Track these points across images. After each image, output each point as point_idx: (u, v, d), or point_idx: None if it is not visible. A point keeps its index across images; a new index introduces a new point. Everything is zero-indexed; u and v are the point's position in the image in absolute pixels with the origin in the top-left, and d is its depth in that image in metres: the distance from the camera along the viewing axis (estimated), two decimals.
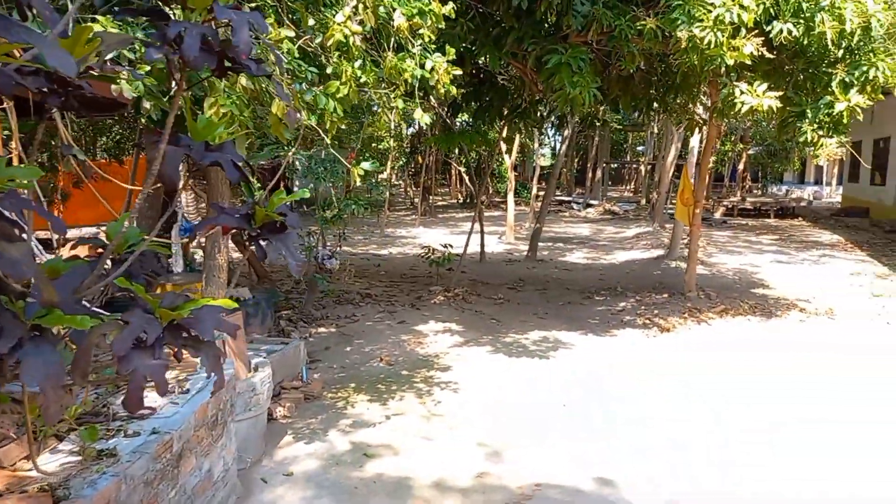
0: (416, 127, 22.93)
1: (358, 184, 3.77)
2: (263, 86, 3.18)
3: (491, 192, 28.26)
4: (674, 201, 22.13)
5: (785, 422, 4.87)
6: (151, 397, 3.23)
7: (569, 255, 14.29)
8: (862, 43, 6.42)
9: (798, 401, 5.34)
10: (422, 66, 3.72)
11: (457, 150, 25.71)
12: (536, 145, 22.61)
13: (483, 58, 7.82)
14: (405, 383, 5.69)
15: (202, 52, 1.36)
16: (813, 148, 6.91)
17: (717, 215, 22.12)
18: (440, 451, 4.31)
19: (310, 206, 11.34)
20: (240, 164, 1.78)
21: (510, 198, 16.01)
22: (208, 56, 1.39)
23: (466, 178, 23.24)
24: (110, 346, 1.49)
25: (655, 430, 4.72)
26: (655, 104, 9.37)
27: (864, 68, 6.40)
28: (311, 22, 3.77)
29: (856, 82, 6.45)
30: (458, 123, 12.80)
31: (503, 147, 14.65)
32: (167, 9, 1.45)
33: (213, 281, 4.09)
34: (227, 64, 1.52)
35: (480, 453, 4.26)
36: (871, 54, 6.49)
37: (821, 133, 6.75)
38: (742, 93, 6.57)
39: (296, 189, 3.96)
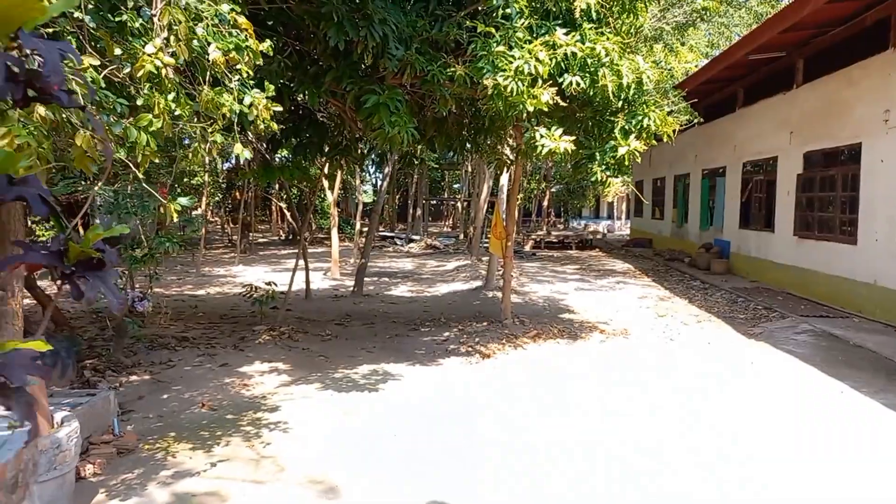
0: (233, 162, 22.18)
1: (175, 220, 3.63)
2: (64, 116, 2.99)
3: (314, 228, 27.94)
4: (488, 236, 23.65)
5: (599, 429, 5.41)
6: None
7: (394, 288, 14.58)
8: (637, 95, 7.46)
9: (607, 411, 5.95)
10: (240, 101, 3.72)
11: (277, 186, 25.22)
12: (358, 182, 22.88)
13: (302, 95, 7.90)
14: (231, 427, 5.46)
15: (7, 81, 1.32)
16: (602, 186, 7.85)
17: (527, 248, 23.87)
18: (271, 492, 4.21)
19: (114, 244, 10.43)
20: (48, 198, 1.71)
21: (334, 234, 16.01)
22: (13, 86, 1.35)
23: (288, 214, 22.83)
24: None
25: (491, 443, 5.00)
26: (468, 144, 10.04)
27: (640, 118, 7.45)
28: (117, 51, 3.61)
29: (633, 130, 7.47)
30: (277, 159, 12.66)
31: (325, 184, 14.67)
32: None
33: (8, 329, 3.67)
34: (31, 94, 1.47)
35: (314, 491, 4.22)
36: (645, 106, 7.57)
37: (608, 173, 7.68)
38: (542, 136, 7.30)
39: (97, 225, 3.71)
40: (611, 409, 6.02)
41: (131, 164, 3.38)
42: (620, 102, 7.43)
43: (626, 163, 7.49)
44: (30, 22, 1.33)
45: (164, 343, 8.37)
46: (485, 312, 10.97)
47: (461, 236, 28.67)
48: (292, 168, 8.79)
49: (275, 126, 3.88)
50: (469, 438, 5.19)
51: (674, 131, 7.90)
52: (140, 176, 3.41)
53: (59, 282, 1.70)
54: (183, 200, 3.28)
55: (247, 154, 3.81)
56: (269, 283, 9.85)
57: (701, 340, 9.08)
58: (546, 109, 6.87)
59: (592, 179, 7.63)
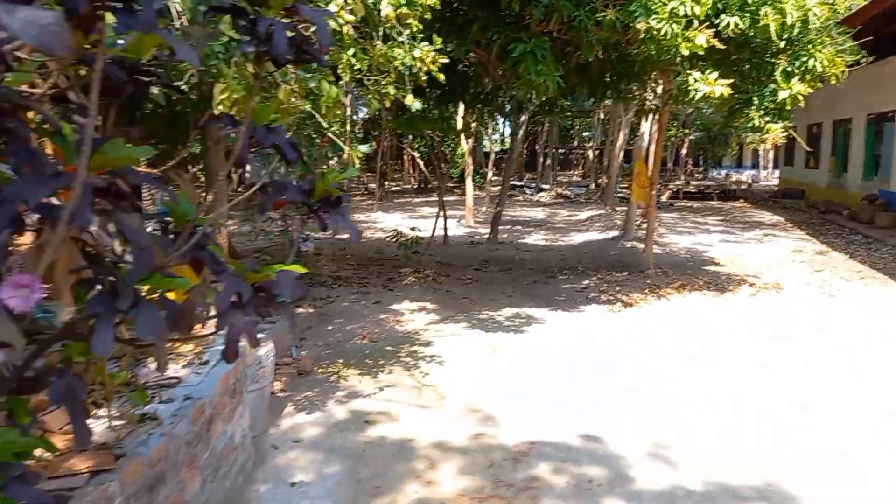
0: (368, 113, 23.00)
1: (357, 165, 3.99)
2: (268, 73, 3.36)
3: (445, 176, 28.50)
4: (622, 185, 22.98)
5: (749, 382, 5.36)
6: (174, 369, 3.42)
7: (528, 237, 14.73)
8: (801, 35, 6.94)
9: (758, 364, 5.85)
10: (411, 56, 3.97)
11: (411, 136, 25.90)
12: (490, 131, 22.95)
13: (447, 45, 8.08)
14: (391, 358, 5.96)
15: (288, 46, 1.59)
16: (760, 133, 7.45)
17: (664, 198, 22.97)
18: (435, 417, 4.61)
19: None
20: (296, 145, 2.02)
21: (469, 182, 16.32)
22: (293, 50, 1.62)
23: (421, 163, 23.41)
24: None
25: (634, 392, 5.13)
26: (610, 91, 9.80)
27: (804, 59, 6.95)
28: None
29: (797, 72, 6.99)
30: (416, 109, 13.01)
31: (462, 133, 14.89)
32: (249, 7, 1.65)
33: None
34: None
35: (474, 418, 4.58)
36: (810, 46, 7.03)
37: (767, 119, 7.28)
38: (695, 80, 7.03)
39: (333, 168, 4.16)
40: (762, 363, 5.89)
41: (317, 115, 3.73)
42: (783, 43, 6.95)
43: (788, 108, 7.05)
44: None
45: (321, 281, 9.13)
46: (624, 262, 10.87)
47: (592, 185, 28.07)
48: (435, 118, 9.05)
49: (441, 77, 4.10)
50: (611, 386, 5.30)
51: (843, 72, 7.30)
52: (325, 125, 3.77)
53: (306, 214, 2.02)
54: (363, 147, 3.60)
55: (417, 105, 4.07)
56: (413, 229, 10.34)
57: (864, 297, 8.50)
58: (701, 52, 6.61)
59: (749, 125, 7.27)
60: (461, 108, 11.54)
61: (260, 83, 1.76)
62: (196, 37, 1.41)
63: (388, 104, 4.17)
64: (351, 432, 4.34)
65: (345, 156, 3.68)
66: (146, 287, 1.67)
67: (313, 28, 1.69)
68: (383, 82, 3.98)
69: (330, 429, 4.39)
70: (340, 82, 3.64)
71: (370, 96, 4.13)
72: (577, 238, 14.42)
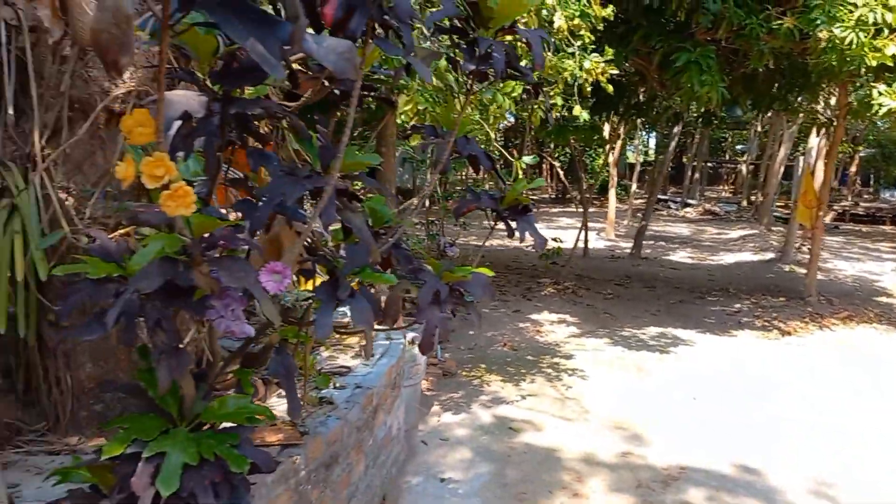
0: (510, 122, 23.16)
1: (521, 175, 4.08)
2: (446, 84, 3.53)
3: (586, 187, 28.07)
4: (779, 203, 21.38)
5: None
6: (342, 359, 3.68)
7: (672, 254, 14.15)
8: None
9: None
10: (581, 67, 3.99)
11: (552, 145, 25.74)
12: (637, 142, 22.30)
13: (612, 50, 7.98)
14: (532, 367, 5.98)
15: (504, 65, 1.69)
16: None
17: (828, 220, 21.10)
18: (580, 430, 4.57)
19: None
20: (490, 156, 2.13)
21: (612, 194, 15.96)
22: (507, 68, 1.72)
23: (561, 173, 23.18)
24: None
25: (792, 421, 4.79)
26: (776, 103, 9.21)
27: None
28: None
29: None
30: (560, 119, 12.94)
31: (610, 144, 14.57)
32: (468, 27, 1.78)
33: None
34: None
35: (620, 435, 4.49)
36: None
37: None
38: (881, 94, 6.44)
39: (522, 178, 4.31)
40: None
41: (485, 125, 3.86)
42: None
43: None
44: (515, 16, 1.68)
45: None
46: (782, 287, 10.14)
47: (744, 202, 26.38)
48: (585, 127, 8.96)
49: (610, 88, 4.08)
50: (767, 414, 4.97)
51: None
52: (492, 135, 3.88)
53: (494, 221, 2.13)
54: (527, 159, 3.67)
55: (585, 115, 4.09)
56: (555, 239, 10.30)
57: None
58: (890, 64, 6.05)
59: None
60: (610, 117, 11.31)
61: (469, 99, 1.88)
62: (423, 56, 1.54)
63: (555, 114, 4.21)
64: (496, 436, 4.41)
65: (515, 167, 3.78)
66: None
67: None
68: (551, 93, 4.04)
69: (475, 431, 4.49)
70: (514, 94, 3.74)
71: (535, 107, 4.19)
72: (727, 258, 13.64)
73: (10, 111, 2.38)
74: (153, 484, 1.56)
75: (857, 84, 7.19)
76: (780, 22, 6.32)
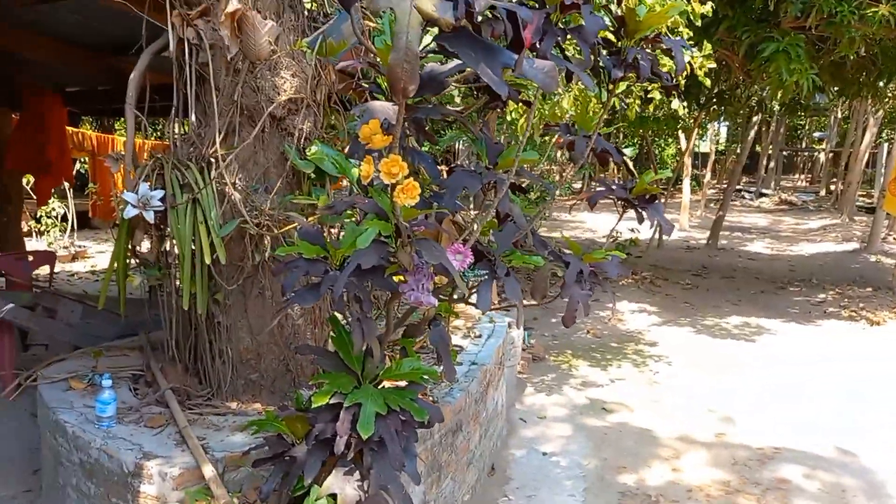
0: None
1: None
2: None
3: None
4: (860, 192, 20.49)
5: None
6: (454, 338, 3.97)
7: (749, 244, 13.92)
8: None
9: None
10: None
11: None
12: (710, 132, 21.82)
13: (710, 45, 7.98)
14: (618, 353, 6.16)
15: (651, 72, 1.91)
16: None
17: None
18: (671, 412, 4.74)
19: None
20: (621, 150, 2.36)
21: (686, 183, 15.74)
22: (651, 74, 1.94)
23: (629, 162, 22.89)
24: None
25: (889, 411, 4.81)
26: (864, 90, 8.97)
27: None
28: None
29: None
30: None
31: (687, 133, 14.40)
32: (613, 38, 2.01)
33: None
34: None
35: (712, 417, 4.63)
36: None
37: None
38: None
39: (650, 171, 4.53)
40: None
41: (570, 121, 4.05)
42: None
43: None
44: (656, 26, 1.90)
45: None
46: (867, 278, 9.90)
47: (823, 192, 25.42)
48: (667, 118, 8.98)
49: (707, 82, 4.20)
50: (860, 401, 4.99)
51: None
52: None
53: (622, 209, 2.35)
54: (628, 151, 3.84)
55: (682, 109, 4.23)
56: (631, 230, 10.34)
57: None
58: None
59: None
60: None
61: (610, 100, 2.11)
62: (582, 66, 1.77)
63: (652, 108, 4.36)
64: (590, 416, 4.63)
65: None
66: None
67: None
68: (650, 88, 4.20)
69: (570, 410, 4.72)
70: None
71: (631, 101, 4.36)
72: (807, 248, 13.32)
73: (193, 118, 2.76)
74: (352, 429, 1.87)
75: None
76: (874, 9, 6.21)
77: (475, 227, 1.86)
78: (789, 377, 5.55)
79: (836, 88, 9.13)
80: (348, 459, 1.96)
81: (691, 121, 10.81)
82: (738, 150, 17.10)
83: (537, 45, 1.49)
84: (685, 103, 9.18)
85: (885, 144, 19.00)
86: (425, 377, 2.05)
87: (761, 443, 4.20)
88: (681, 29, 4.09)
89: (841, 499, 3.56)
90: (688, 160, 15.92)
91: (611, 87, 2.07)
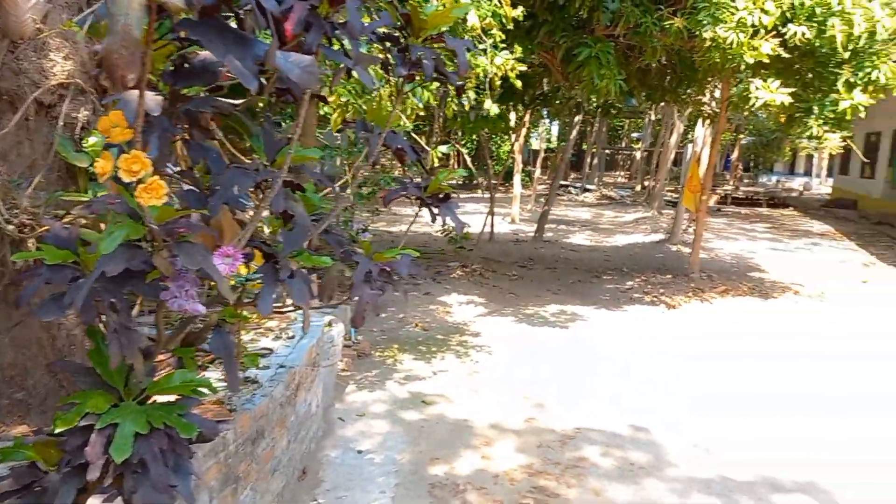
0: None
1: (436, 164, 4.30)
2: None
3: (492, 174, 28.72)
4: (669, 188, 22.85)
5: (787, 392, 5.53)
6: (264, 341, 3.79)
7: (572, 236, 14.89)
8: (867, 46, 6.97)
9: (791, 374, 5.99)
10: (492, 62, 4.24)
11: (460, 133, 26.16)
12: (542, 130, 23.07)
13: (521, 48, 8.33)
14: (443, 345, 6.27)
15: (433, 69, 1.89)
16: (818, 141, 7.52)
17: (712, 203, 22.77)
18: (488, 400, 4.90)
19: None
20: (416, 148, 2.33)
21: (517, 179, 16.51)
22: (436, 73, 1.92)
23: (468, 159, 23.63)
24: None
25: (678, 388, 5.34)
26: (668, 95, 9.91)
27: (868, 70, 6.98)
28: None
29: (859, 83, 7.03)
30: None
31: (520, 132, 15.06)
32: (400, 35, 1.96)
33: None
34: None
35: (525, 404, 4.86)
36: (875, 57, 7.06)
37: (825, 128, 7.35)
38: (757, 88, 7.14)
39: (444, 170, 4.49)
40: (804, 373, 6.01)
41: (402, 116, 4.04)
42: (847, 53, 7.00)
43: (848, 117, 7.10)
44: (442, 26, 1.88)
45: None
46: (669, 266, 10.98)
47: (638, 188, 27.95)
48: (496, 119, 9.29)
49: (519, 84, 4.36)
50: (650, 377, 5.54)
51: None
52: (409, 126, 4.08)
53: (417, 208, 2.34)
54: (443, 148, 3.89)
55: (495, 109, 4.35)
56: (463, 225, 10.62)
57: None
58: (765, 61, 6.72)
59: (807, 135, 7.35)
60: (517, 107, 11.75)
61: (400, 98, 2.07)
62: (364, 61, 1.71)
63: (467, 107, 4.44)
64: (410, 410, 4.66)
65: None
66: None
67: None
68: (465, 87, 4.26)
69: (391, 406, 4.72)
70: (433, 88, 3.94)
71: (450, 100, 4.42)
72: (622, 239, 14.52)
73: None
74: (105, 453, 1.68)
75: (738, 79, 7.89)
76: (671, 21, 6.86)
77: (249, 228, 1.73)
78: (595, 361, 5.99)
79: (644, 93, 9.99)
80: (108, 485, 1.76)
81: (518, 120, 11.35)
82: (551, 149, 18.20)
83: (306, 39, 1.40)
84: (504, 104, 9.61)
85: (690, 145, 21.30)
86: (201, 390, 1.89)
87: (565, 425, 4.48)
88: (494, 31, 4.21)
89: (630, 471, 3.89)
90: (518, 157, 16.69)
91: (402, 85, 2.03)
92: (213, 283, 1.85)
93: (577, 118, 15.43)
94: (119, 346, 1.66)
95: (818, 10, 6.58)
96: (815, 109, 7.24)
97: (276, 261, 1.90)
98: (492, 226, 13.41)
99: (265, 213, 1.84)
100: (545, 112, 10.89)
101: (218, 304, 1.96)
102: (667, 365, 5.95)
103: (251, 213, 2.03)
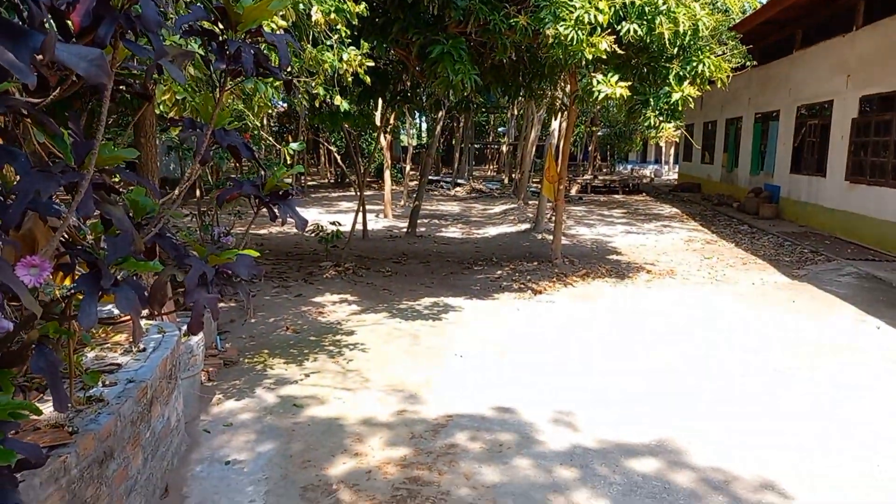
0: (283, 107, 22.86)
1: (289, 161, 4.22)
2: (204, 75, 3.56)
3: (363, 171, 28.57)
4: (534, 180, 23.90)
5: (640, 352, 5.98)
6: (111, 356, 3.56)
7: (444, 230, 15.17)
8: (692, 42, 7.66)
9: (649, 340, 6.50)
10: (339, 59, 4.24)
11: (328, 131, 25.81)
12: (408, 126, 23.27)
13: (369, 45, 8.35)
14: (315, 347, 6.19)
15: (253, 64, 1.87)
16: (655, 131, 8.16)
17: (573, 192, 24.06)
18: (361, 398, 4.91)
19: (174, 185, 11.40)
20: (249, 146, 2.29)
21: (387, 176, 16.58)
22: (256, 67, 1.90)
23: (338, 157, 23.43)
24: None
25: (539, 368, 5.61)
26: (523, 90, 10.35)
27: (694, 64, 7.68)
28: None
29: (688, 76, 7.71)
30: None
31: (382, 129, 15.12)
32: (217, 29, 1.91)
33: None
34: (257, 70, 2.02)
35: (397, 397, 4.91)
36: (700, 52, 7.77)
37: (661, 118, 7.99)
38: (599, 82, 7.62)
39: (282, 167, 4.34)
40: (655, 339, 6.54)
41: (249, 113, 3.95)
42: (676, 49, 7.64)
43: (680, 108, 7.76)
44: (261, 20, 1.86)
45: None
46: (535, 253, 11.49)
47: (506, 180, 28.94)
48: (355, 114, 9.28)
49: (367, 79, 4.38)
50: (515, 359, 5.81)
51: (727, 76, 8.10)
52: (256, 123, 3.98)
53: (256, 207, 2.29)
54: (294, 145, 3.83)
55: (345, 105, 4.35)
56: (334, 223, 10.53)
57: (745, 280, 9.45)
58: (603, 57, 7.18)
59: (646, 125, 7.95)
60: (380, 105, 11.80)
61: (223, 94, 2.02)
62: (176, 55, 1.66)
63: (317, 104, 4.40)
64: (280, 415, 4.57)
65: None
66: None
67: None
68: (313, 83, 4.23)
69: (260, 413, 4.60)
70: (276, 84, 3.86)
71: (300, 96, 4.36)
72: (491, 231, 14.99)
73: None
74: None
75: (581, 74, 8.37)
76: (517, 19, 7.16)
77: (57, 235, 1.63)
78: (464, 349, 6.16)
79: (500, 89, 10.35)
80: None
81: (381, 117, 11.39)
82: (423, 145, 18.48)
83: (98, 32, 1.34)
84: (364, 101, 9.63)
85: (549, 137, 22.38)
86: (21, 412, 1.76)
87: (437, 413, 4.58)
88: (339, 27, 4.20)
89: (499, 452, 4.05)
90: (387, 154, 16.75)
91: (224, 80, 1.99)
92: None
93: (440, 114, 15.72)
94: None
95: (647, 9, 7.13)
96: (651, 101, 7.84)
97: (99, 269, 1.80)
98: (364, 223, 13.38)
99: (76, 219, 1.73)
100: (407, 109, 10.95)
101: (34, 319, 1.83)
102: (530, 348, 6.24)
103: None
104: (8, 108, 1.60)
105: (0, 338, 1.96)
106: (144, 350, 3.64)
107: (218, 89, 2.00)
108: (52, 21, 1.32)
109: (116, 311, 3.89)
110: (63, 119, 1.96)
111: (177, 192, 2.16)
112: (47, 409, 2.81)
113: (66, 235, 1.92)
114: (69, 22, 1.30)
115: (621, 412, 4.71)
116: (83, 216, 1.61)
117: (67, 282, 2.14)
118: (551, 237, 11.82)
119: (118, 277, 1.86)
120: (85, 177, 1.53)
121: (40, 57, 1.36)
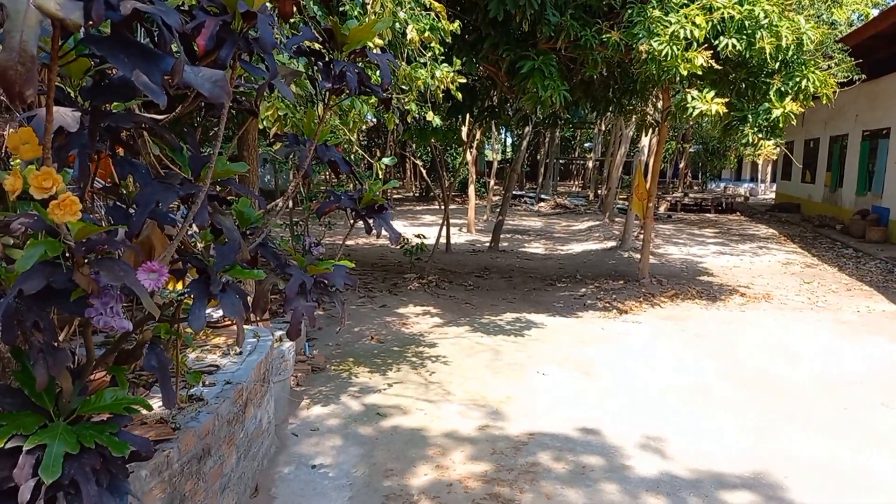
0: (372, 122, 23.53)
1: (380, 176, 4.34)
2: (307, 92, 3.72)
3: (448, 185, 28.91)
4: (620, 196, 23.38)
5: (730, 374, 5.71)
6: (211, 358, 3.75)
7: (527, 245, 15.08)
8: (795, 57, 7.32)
9: (741, 365, 6.19)
10: (432, 76, 4.32)
11: (414, 145, 26.31)
12: (494, 141, 23.37)
13: (460, 61, 8.47)
14: (399, 357, 6.29)
15: (356, 83, 1.94)
16: (753, 148, 7.82)
17: (662, 210, 23.36)
18: (443, 410, 4.94)
19: (269, 197, 11.90)
20: (348, 160, 2.37)
21: (471, 191, 16.68)
22: (359, 86, 1.97)
23: (423, 171, 23.78)
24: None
25: (624, 389, 5.45)
26: (612, 106, 10.18)
27: (797, 79, 7.32)
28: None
29: (790, 91, 7.36)
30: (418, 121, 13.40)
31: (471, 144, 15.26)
32: (323, 50, 2.00)
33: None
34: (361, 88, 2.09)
35: (479, 412, 4.90)
36: (803, 67, 7.41)
37: (760, 136, 7.65)
38: (693, 98, 7.40)
39: (377, 181, 4.50)
40: (756, 364, 6.22)
41: (345, 129, 4.08)
42: (777, 64, 7.32)
43: (781, 125, 7.41)
44: (365, 41, 1.93)
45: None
46: (620, 271, 11.22)
47: (591, 196, 28.47)
48: (446, 130, 9.41)
49: (459, 95, 4.45)
50: (601, 381, 5.66)
51: (833, 92, 7.67)
52: (352, 138, 4.11)
53: (353, 219, 2.37)
54: (386, 160, 3.93)
55: (437, 121, 4.42)
56: (418, 236, 10.69)
57: (849, 307, 8.85)
58: (699, 72, 6.97)
59: (743, 142, 7.64)
60: (467, 120, 11.92)
61: (326, 111, 2.11)
62: (285, 75, 1.75)
63: (409, 119, 4.51)
64: (365, 423, 4.66)
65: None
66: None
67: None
68: (406, 99, 4.34)
69: (345, 420, 4.71)
70: (371, 101, 3.99)
71: (389, 113, 4.47)
72: (575, 248, 14.77)
73: None
74: (35, 475, 1.66)
75: (675, 90, 8.16)
76: (608, 35, 7.07)
77: (174, 242, 1.74)
78: (548, 366, 6.08)
79: (589, 104, 10.23)
80: None
81: (468, 132, 11.50)
82: (508, 160, 18.46)
83: (219, 54, 1.43)
84: (452, 117, 9.75)
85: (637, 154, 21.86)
86: (134, 407, 1.88)
87: (519, 430, 4.54)
88: (433, 45, 4.29)
89: (582, 474, 3.96)
90: (472, 169, 16.86)
91: (328, 98, 2.07)
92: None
93: (527, 129, 15.70)
94: (45, 365, 1.65)
95: (747, 24, 6.87)
96: (750, 118, 7.53)
97: (208, 275, 1.91)
98: (448, 237, 13.51)
99: (196, 228, 1.85)
100: (494, 124, 11.01)
101: (150, 320, 1.96)
102: (618, 369, 6.08)
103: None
104: (135, 123, 1.73)
105: (119, 337, 2.10)
106: (241, 353, 3.82)
107: (322, 106, 2.08)
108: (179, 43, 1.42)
109: (215, 316, 4.10)
110: (178, 133, 2.10)
111: (280, 203, 2.27)
112: (153, 405, 2.99)
113: (179, 243, 2.04)
114: (194, 45, 1.40)
115: (713, 440, 4.50)
116: (199, 225, 1.71)
117: (179, 286, 2.28)
118: (638, 255, 11.52)
119: (227, 283, 1.97)
120: (202, 189, 1.63)
121: (167, 77, 1.47)
